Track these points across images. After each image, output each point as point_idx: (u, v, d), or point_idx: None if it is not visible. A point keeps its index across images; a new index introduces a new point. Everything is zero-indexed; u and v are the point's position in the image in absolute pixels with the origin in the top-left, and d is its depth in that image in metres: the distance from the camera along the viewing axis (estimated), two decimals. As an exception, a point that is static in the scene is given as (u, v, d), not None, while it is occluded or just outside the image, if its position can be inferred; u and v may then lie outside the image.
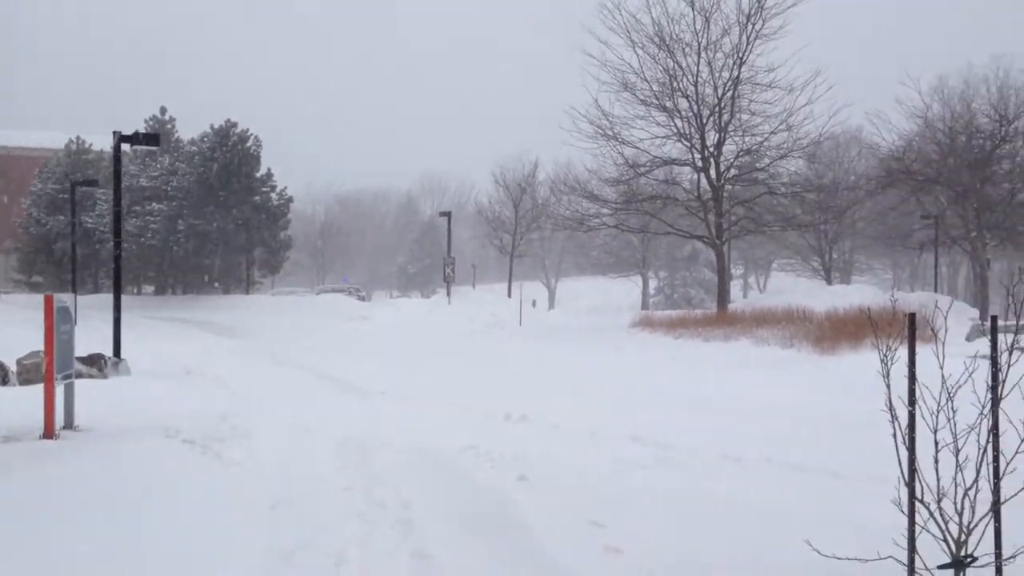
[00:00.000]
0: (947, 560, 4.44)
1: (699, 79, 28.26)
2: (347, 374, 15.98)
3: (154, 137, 20.07)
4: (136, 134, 18.59)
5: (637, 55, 28.40)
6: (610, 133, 28.88)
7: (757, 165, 30.03)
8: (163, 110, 47.04)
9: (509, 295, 45.17)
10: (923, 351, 4.60)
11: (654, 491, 7.11)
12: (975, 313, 27.25)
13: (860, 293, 28.78)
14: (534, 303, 50.14)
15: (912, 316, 4.68)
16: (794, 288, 44.06)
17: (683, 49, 28.21)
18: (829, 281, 46.85)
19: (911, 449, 4.55)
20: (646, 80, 28.49)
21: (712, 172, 28.77)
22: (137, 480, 7.08)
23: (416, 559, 4.94)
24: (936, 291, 41.17)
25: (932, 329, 4.94)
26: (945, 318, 5.07)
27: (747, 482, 7.70)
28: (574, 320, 36.10)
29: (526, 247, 55.15)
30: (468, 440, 9.02)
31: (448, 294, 40.89)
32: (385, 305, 43.49)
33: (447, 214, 45.38)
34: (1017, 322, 4.73)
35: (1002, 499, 4.43)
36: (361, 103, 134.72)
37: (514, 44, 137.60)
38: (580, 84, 28.91)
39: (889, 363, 4.69)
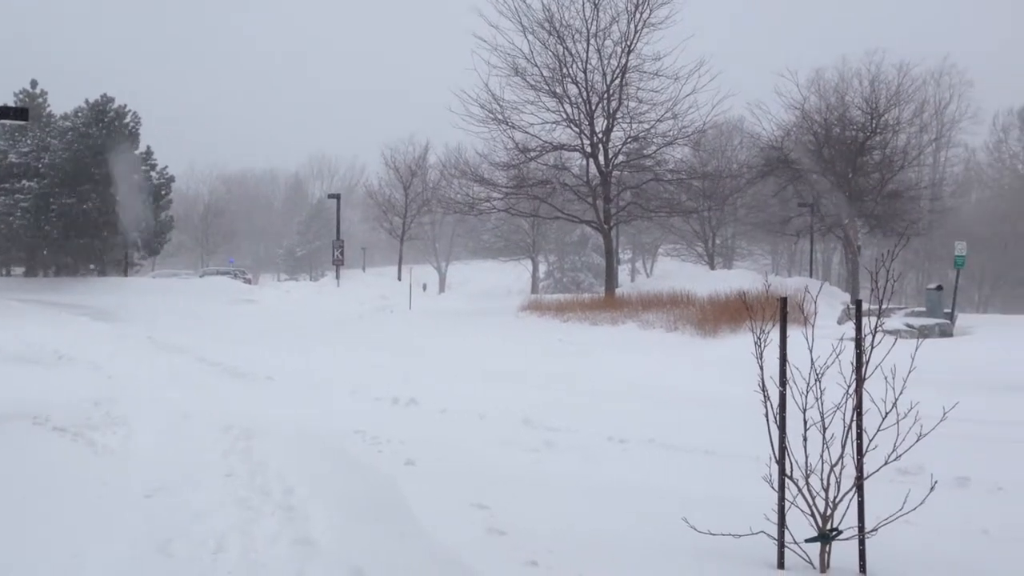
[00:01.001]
0: (815, 534, 4.65)
1: (588, 66, 28.58)
2: (231, 358, 15.57)
3: (23, 111, 18.98)
4: (4, 108, 17.58)
5: (528, 40, 28.52)
6: (500, 117, 28.93)
7: (644, 152, 30.55)
8: (34, 83, 44.66)
9: (399, 278, 44.86)
10: (797, 334, 4.78)
11: (541, 474, 7.20)
12: (847, 297, 28.49)
13: (741, 278, 29.69)
14: (424, 287, 49.91)
15: (784, 300, 4.86)
16: (679, 273, 45.10)
17: (573, 36, 28.45)
18: (712, 266, 48.21)
19: (781, 428, 4.75)
20: (536, 65, 28.64)
21: (601, 158, 29.15)
22: None
23: (298, 545, 4.87)
24: (811, 276, 42.91)
25: (803, 313, 5.13)
26: (815, 302, 5.29)
27: (631, 463, 7.88)
28: (464, 304, 36.15)
29: (417, 230, 54.82)
30: (356, 425, 8.94)
31: (337, 277, 40.33)
32: (272, 288, 42.57)
33: (336, 196, 44.67)
34: (880, 306, 4.97)
35: (865, 475, 4.66)
36: (248, 83, 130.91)
37: (406, 25, 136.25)
38: (471, 68, 28.86)
39: (762, 345, 4.86)
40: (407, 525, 5.19)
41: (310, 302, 33.06)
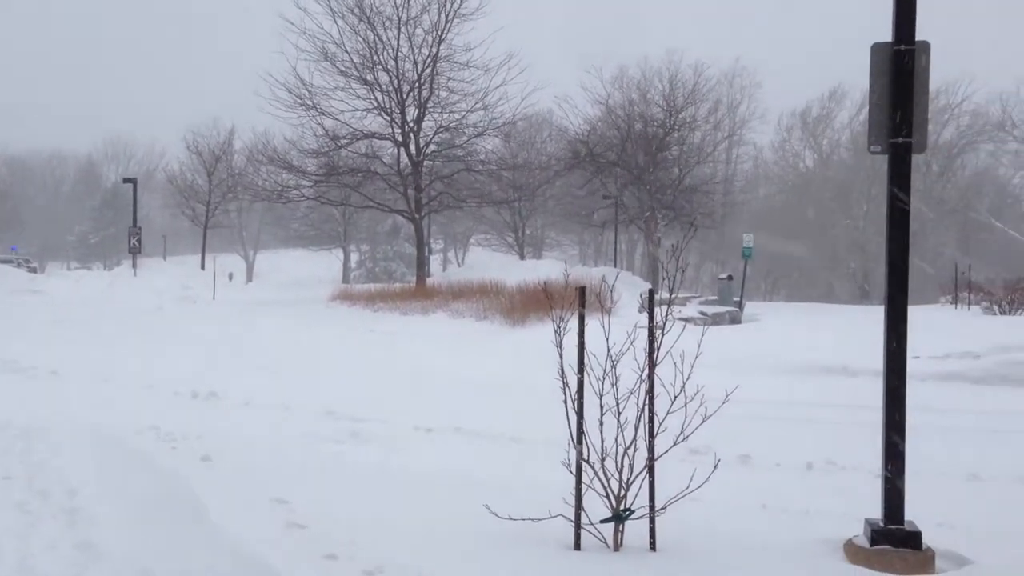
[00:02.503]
0: (610, 515, 4.83)
1: (399, 54, 28.43)
2: (11, 351, 14.43)
3: None
4: None
5: (337, 25, 28.03)
6: (310, 103, 28.33)
7: (456, 142, 30.74)
8: None
9: (203, 268, 43.01)
10: (597, 322, 4.94)
11: (345, 465, 7.11)
12: (648, 287, 29.84)
13: (549, 267, 30.44)
14: (230, 276, 48.20)
15: (582, 290, 5.01)
16: (490, 262, 45.73)
17: (383, 22, 28.21)
18: (522, 256, 49.22)
19: (579, 413, 4.90)
20: (346, 51, 28.21)
21: (412, 147, 29.08)
22: None
23: (80, 550, 4.57)
24: (616, 266, 44.59)
25: (600, 301, 5.31)
26: (611, 291, 5.49)
27: (437, 452, 7.92)
28: (273, 294, 35.17)
29: (222, 218, 52.76)
30: (150, 420, 8.49)
31: (134, 266, 38.17)
32: (61, 277, 39.74)
33: (132, 181, 42.25)
34: (671, 295, 5.22)
35: (656, 456, 4.88)
36: (34, 57, 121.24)
37: (209, 3, 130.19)
38: (279, 51, 28.01)
39: (562, 334, 4.99)
40: (201, 523, 4.98)
41: (104, 292, 31.10)
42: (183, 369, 13.14)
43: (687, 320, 18.00)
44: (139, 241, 38.86)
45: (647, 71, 40.33)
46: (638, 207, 35.59)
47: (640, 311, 21.37)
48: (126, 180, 44.96)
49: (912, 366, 13.37)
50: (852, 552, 4.81)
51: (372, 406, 9.95)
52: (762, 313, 23.77)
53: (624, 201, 36.43)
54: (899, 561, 4.63)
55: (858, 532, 4.98)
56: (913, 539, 4.73)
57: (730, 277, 24.48)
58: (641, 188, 34.47)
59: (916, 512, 4.93)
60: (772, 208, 60.31)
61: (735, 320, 21.34)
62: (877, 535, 4.77)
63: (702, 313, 20.85)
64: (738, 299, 23.90)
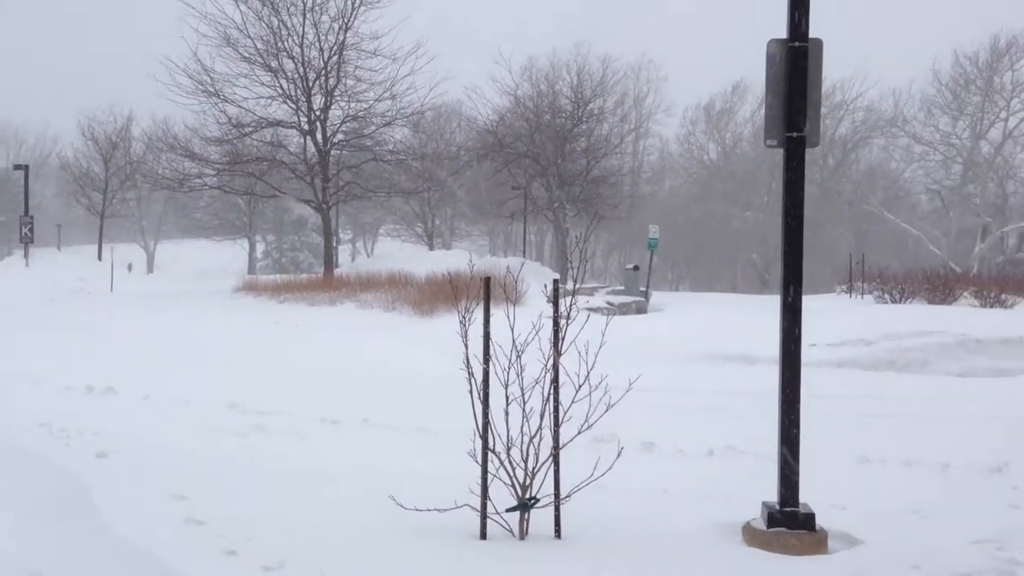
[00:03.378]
0: (515, 504, 4.87)
1: (305, 41, 27.85)
2: None
3: None
4: None
5: (240, 10, 27.25)
6: (211, 90, 27.49)
7: (364, 131, 30.37)
8: None
9: (100, 258, 41.55)
10: (505, 313, 4.95)
11: (249, 460, 6.98)
12: (557, 277, 30.08)
13: (459, 258, 30.42)
14: (130, 267, 46.66)
15: (487, 280, 5.02)
16: (399, 253, 45.43)
17: (288, 8, 27.59)
18: (432, 246, 49.02)
19: (484, 403, 4.91)
20: (250, 37, 27.47)
21: (319, 136, 28.61)
22: None
23: (-35, 555, 4.38)
24: (525, 257, 44.83)
25: (505, 292, 5.33)
26: (517, 281, 5.52)
27: (344, 444, 7.85)
28: (175, 285, 34.12)
29: (120, 207, 50.99)
30: (41, 417, 8.19)
31: (26, 256, 36.65)
32: (-55, 269, 37.87)
33: (24, 167, 40.55)
34: (575, 284, 5.28)
35: (561, 445, 4.94)
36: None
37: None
38: (179, 35, 27.12)
39: (467, 324, 5.00)
40: (95, 522, 4.82)
41: (-8, 284, 29.77)
42: (77, 363, 12.70)
43: (594, 310, 18.23)
44: (31, 231, 37.34)
45: (556, 63, 40.67)
46: (547, 198, 35.85)
47: (548, 301, 21.55)
48: (17, 167, 43.10)
49: (808, 354, 13.81)
50: (750, 535, 4.96)
51: (277, 399, 9.79)
52: (667, 303, 24.23)
53: (533, 192, 36.64)
54: (794, 542, 4.79)
55: (756, 515, 5.14)
56: (807, 521, 4.90)
57: (636, 268, 24.88)
58: (550, 179, 34.72)
59: (811, 495, 5.11)
60: (678, 199, 61.48)
61: (641, 310, 21.70)
62: (773, 518, 4.93)
63: (609, 303, 21.13)
64: (644, 289, 24.31)
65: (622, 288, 24.87)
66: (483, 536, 4.78)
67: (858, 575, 4.33)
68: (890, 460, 7.32)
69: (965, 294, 23.77)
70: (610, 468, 4.95)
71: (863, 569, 4.43)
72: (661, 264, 55.34)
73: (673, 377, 12.03)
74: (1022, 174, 51.29)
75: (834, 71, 51.20)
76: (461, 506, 4.82)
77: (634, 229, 51.45)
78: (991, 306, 22.49)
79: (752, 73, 52.02)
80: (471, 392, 4.93)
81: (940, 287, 24.03)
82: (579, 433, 4.89)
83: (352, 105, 29.13)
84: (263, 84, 28.07)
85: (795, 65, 4.94)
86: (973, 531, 5.18)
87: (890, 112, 51.07)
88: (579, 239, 5.21)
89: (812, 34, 4.99)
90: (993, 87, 47.10)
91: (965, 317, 17.96)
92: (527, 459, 4.89)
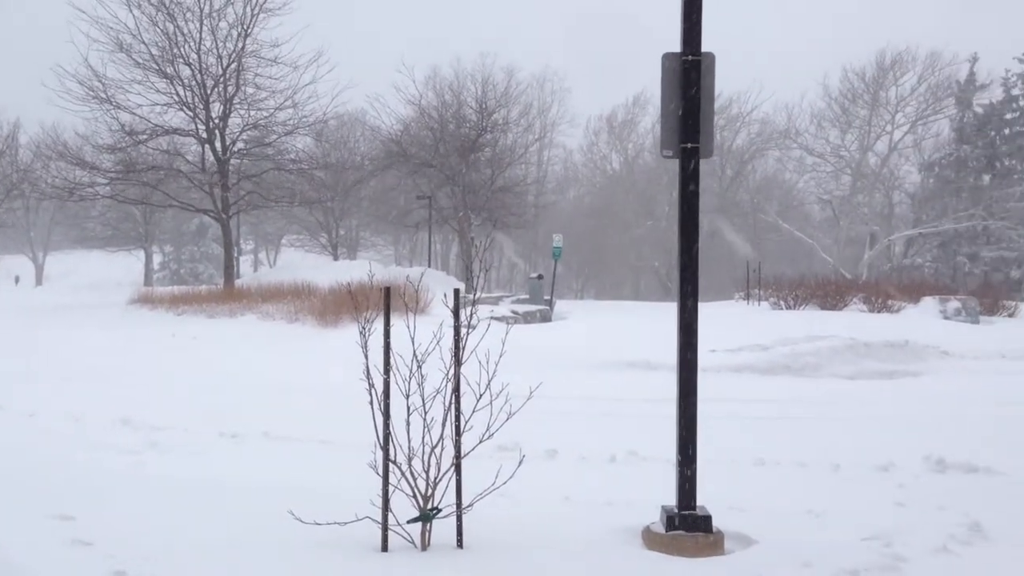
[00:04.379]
0: (417, 515, 4.83)
1: (202, 47, 27.20)
2: None
3: None
4: None
5: (133, 15, 26.45)
6: (103, 96, 26.59)
7: (265, 140, 29.84)
8: None
9: (-16, 271, 39.71)
10: (413, 322, 4.91)
11: (142, 477, 6.76)
12: (462, 286, 30.08)
13: (363, 268, 30.11)
14: (16, 279, 44.81)
15: (387, 290, 4.98)
16: (303, 263, 44.74)
17: (184, 14, 26.91)
18: (336, 256, 48.44)
19: (385, 414, 4.87)
20: (144, 43, 26.67)
21: (218, 144, 27.96)
22: None
23: None
24: (431, 266, 44.70)
25: (405, 302, 5.30)
26: (416, 291, 5.50)
27: (243, 458, 7.67)
28: (66, 297, 32.89)
29: (6, 217, 48.88)
30: (-83, 439, 7.77)
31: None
32: None
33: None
34: (475, 293, 5.28)
35: (463, 454, 4.93)
36: None
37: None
38: (68, 40, 26.15)
39: (367, 335, 4.95)
40: (-26, 548, 4.59)
41: None
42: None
43: (499, 319, 18.30)
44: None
45: (460, 73, 40.76)
46: (452, 207, 35.82)
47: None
48: None
49: (708, 359, 14.17)
50: (649, 538, 5.03)
51: (173, 413, 9.51)
52: (572, 311, 24.48)
53: (438, 201, 36.56)
54: (691, 544, 4.89)
55: (656, 519, 5.22)
56: (704, 523, 5.01)
57: (540, 276, 25.07)
58: (455, 188, 34.71)
59: (709, 497, 5.22)
60: (582, 209, 62.27)
61: (545, 318, 21.87)
62: (672, 521, 5.02)
63: (514, 312, 21.23)
64: (548, 298, 24.52)
65: (527, 297, 25.02)
66: (384, 548, 4.73)
67: (751, 573, 4.43)
68: (785, 462, 7.54)
69: (855, 300, 24.74)
70: (512, 476, 4.97)
71: (757, 568, 4.54)
72: (566, 273, 55.93)
73: (577, 384, 12.16)
74: (907, 185, 53.69)
75: (730, 84, 52.80)
76: (362, 519, 4.76)
77: (539, 238, 51.86)
78: (879, 311, 23.46)
79: (653, 85, 53.15)
80: (371, 403, 4.88)
81: (832, 293, 24.96)
82: (480, 442, 4.89)
83: (252, 113, 28.61)
84: (158, 91, 27.31)
85: (688, 78, 5.05)
86: (862, 529, 5.37)
87: (784, 124, 52.84)
88: (480, 247, 5.21)
89: (707, 48, 5.12)
90: (879, 101, 49.16)
91: (855, 322, 18.70)
92: (428, 469, 4.87)
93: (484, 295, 25.69)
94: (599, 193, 62.74)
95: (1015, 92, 50.87)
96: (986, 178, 50.23)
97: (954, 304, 23.10)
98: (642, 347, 14.90)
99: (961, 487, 6.73)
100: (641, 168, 59.57)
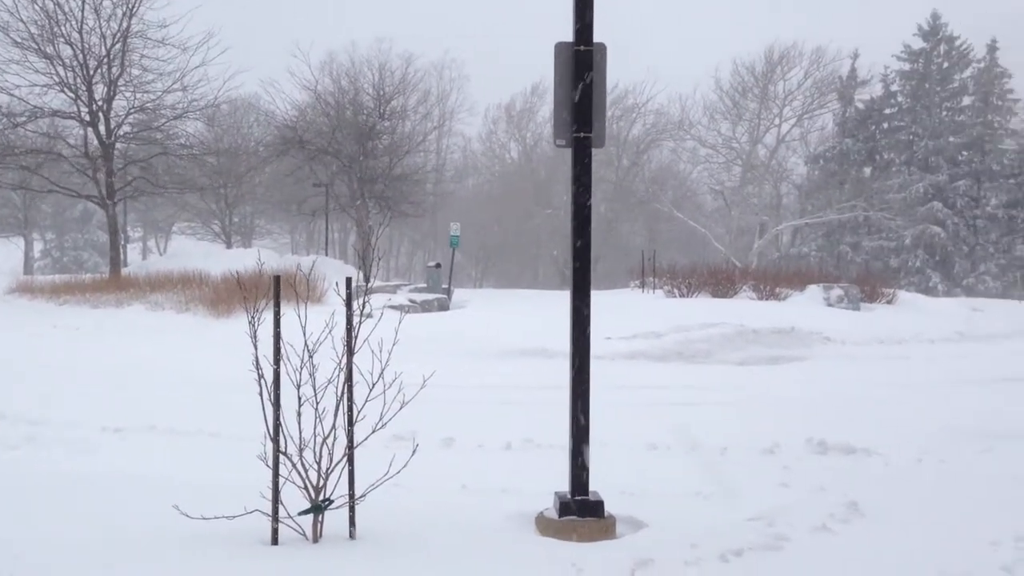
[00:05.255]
0: (309, 506, 4.76)
1: (84, 26, 26.05)
2: None
3: None
4: None
5: (10, -9, 25.19)
6: (-23, 76, 25.28)
7: (153, 124, 28.84)
8: None
9: None
10: (304, 312, 4.82)
11: (18, 474, 6.47)
12: (359, 274, 29.75)
13: (258, 256, 29.45)
14: None
15: (277, 278, 4.88)
16: (194, 251, 43.38)
17: (64, -9, 25.77)
18: (229, 245, 47.22)
19: (276, 405, 4.77)
20: (22, 20, 25.41)
21: (102, 128, 26.87)
22: None
23: None
24: (328, 255, 44.04)
25: (295, 290, 5.20)
26: (307, 280, 5.40)
27: (128, 453, 7.42)
28: (-64, 288, 31.16)
29: None
30: None
31: None
32: None
33: None
34: (368, 282, 5.22)
35: (355, 444, 4.88)
36: None
37: None
38: (-67, 17, 24.71)
39: (256, 324, 4.84)
40: None
41: None
42: None
43: (397, 308, 18.18)
44: None
45: (356, 59, 40.13)
46: (349, 195, 35.33)
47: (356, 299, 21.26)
48: None
49: (603, 347, 14.36)
50: (542, 524, 5.08)
51: (53, 407, 9.12)
52: (470, 299, 24.50)
53: (335, 189, 35.98)
54: (583, 529, 4.96)
55: (550, 505, 5.27)
56: (596, 508, 5.09)
57: (438, 265, 25.01)
58: (352, 176, 34.22)
59: (602, 482, 5.30)
60: (481, 197, 62.31)
61: (443, 307, 21.83)
62: (566, 507, 5.08)
63: (412, 300, 21.13)
64: (447, 286, 24.48)
65: (424, 286, 24.92)
66: (275, 542, 4.65)
67: (641, 556, 4.53)
68: (675, 446, 7.72)
69: (744, 288, 25.47)
70: (406, 465, 4.94)
71: (646, 551, 4.64)
72: (465, 261, 55.95)
73: (475, 373, 12.19)
74: (794, 177, 55.59)
75: (626, 75, 53.61)
76: (251, 512, 4.66)
77: (438, 227, 51.70)
78: (767, 299, 24.23)
79: (551, 74, 53.51)
80: (260, 394, 4.78)
81: (723, 281, 25.64)
82: (373, 432, 4.85)
83: (139, 96, 27.57)
84: (37, 71, 26.07)
85: (580, 68, 5.10)
86: (748, 509, 5.55)
87: (678, 116, 53.95)
88: (375, 234, 5.16)
89: (602, 38, 5.17)
90: (768, 95, 50.68)
91: (744, 309, 19.27)
92: (320, 460, 4.80)
93: (383, 284, 25.48)
94: (498, 182, 62.89)
95: (894, 88, 53.28)
96: (867, 170, 52.48)
97: (837, 292, 24.03)
98: (540, 335, 15.02)
99: (841, 468, 7.02)
100: (540, 157, 59.95)
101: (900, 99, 53.25)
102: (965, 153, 50.93)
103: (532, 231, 56.72)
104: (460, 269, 43.82)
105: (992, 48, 51.78)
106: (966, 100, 52.51)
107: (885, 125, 53.19)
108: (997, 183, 49.71)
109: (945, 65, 52.35)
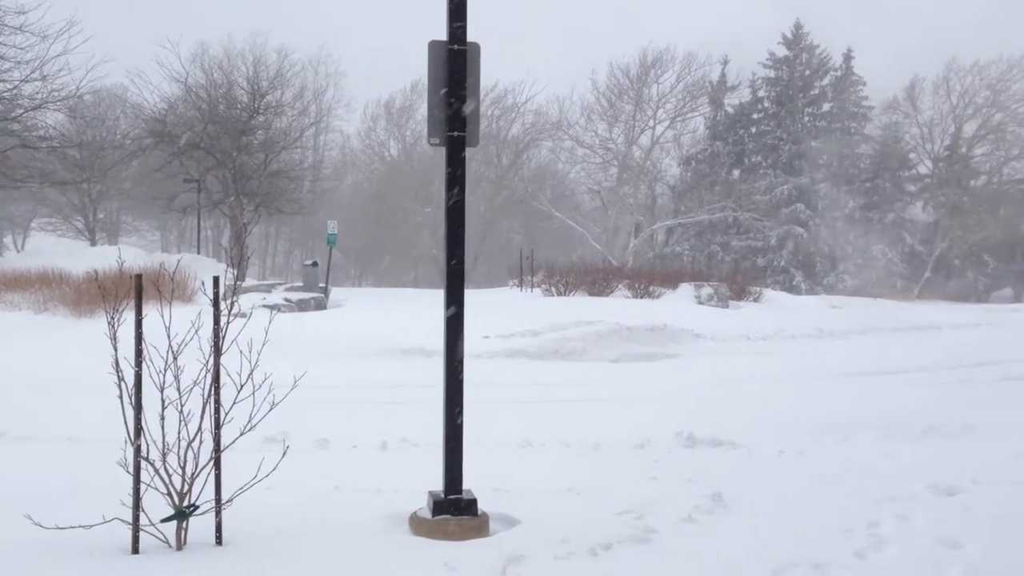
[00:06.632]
0: (172, 513, 4.61)
1: (-67, 10, 24.59)
2: None
3: None
4: None
5: None
6: None
7: (9, 115, 27.37)
8: None
9: None
10: (171, 312, 4.66)
11: None
12: (232, 273, 28.92)
13: (124, 254, 28.27)
14: None
15: (139, 277, 4.70)
16: (55, 248, 41.34)
17: (-89, -29, 24.21)
18: (94, 242, 45.18)
19: (137, 408, 4.60)
20: None
21: (-46, 118, 25.41)
22: None
23: None
24: (200, 253, 42.68)
25: (159, 290, 5.02)
26: (172, 279, 5.22)
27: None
28: None
29: None
30: None
31: None
32: None
33: None
34: (236, 281, 5.08)
35: (223, 447, 4.75)
36: None
37: None
38: None
39: (116, 325, 4.66)
40: None
41: None
42: None
43: (272, 307, 17.78)
44: None
45: (230, 51, 39.05)
46: (222, 192, 34.33)
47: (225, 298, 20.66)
48: None
49: (482, 345, 14.43)
50: (416, 524, 5.06)
51: None
52: (348, 299, 24.21)
53: (208, 185, 34.89)
54: (456, 528, 4.96)
55: (423, 505, 5.26)
56: (470, 506, 5.10)
57: (315, 263, 24.59)
58: (225, 172, 33.26)
59: (477, 480, 5.32)
60: (360, 195, 61.60)
61: (320, 306, 21.48)
62: (439, 506, 5.08)
63: (287, 300, 20.71)
64: (324, 285, 24.10)
65: (301, 284, 24.46)
66: (135, 551, 4.47)
67: (513, 553, 4.57)
68: (550, 443, 7.82)
69: (620, 286, 26.04)
70: (275, 468, 4.85)
71: (518, 547, 4.68)
72: (343, 260, 55.19)
73: (351, 373, 12.04)
74: (668, 177, 57.13)
75: (505, 75, 53.94)
76: (110, 520, 4.48)
77: (315, 225, 50.81)
78: (641, 297, 24.83)
79: (430, 73, 53.29)
80: (120, 397, 4.59)
81: (599, 280, 26.13)
82: (242, 434, 4.73)
83: (-6, 84, 26.15)
84: None
85: (454, 67, 5.10)
86: (618, 503, 5.67)
87: (556, 116, 54.66)
88: (246, 230, 5.03)
89: (479, 38, 5.19)
90: (643, 98, 51.93)
91: (619, 308, 19.69)
92: (185, 465, 4.65)
93: (258, 283, 24.88)
94: (377, 179, 62.29)
95: (761, 94, 55.44)
96: (736, 172, 54.44)
97: (707, 290, 24.84)
98: (418, 334, 14.96)
99: (707, 460, 7.26)
100: (420, 155, 59.67)
101: (766, 104, 55.48)
102: (825, 157, 53.46)
103: (412, 229, 56.46)
104: (338, 268, 43.17)
105: (848, 57, 54.56)
106: (826, 106, 55.13)
107: (753, 129, 55.31)
108: (855, 186, 52.42)
109: (807, 73, 54.81)
